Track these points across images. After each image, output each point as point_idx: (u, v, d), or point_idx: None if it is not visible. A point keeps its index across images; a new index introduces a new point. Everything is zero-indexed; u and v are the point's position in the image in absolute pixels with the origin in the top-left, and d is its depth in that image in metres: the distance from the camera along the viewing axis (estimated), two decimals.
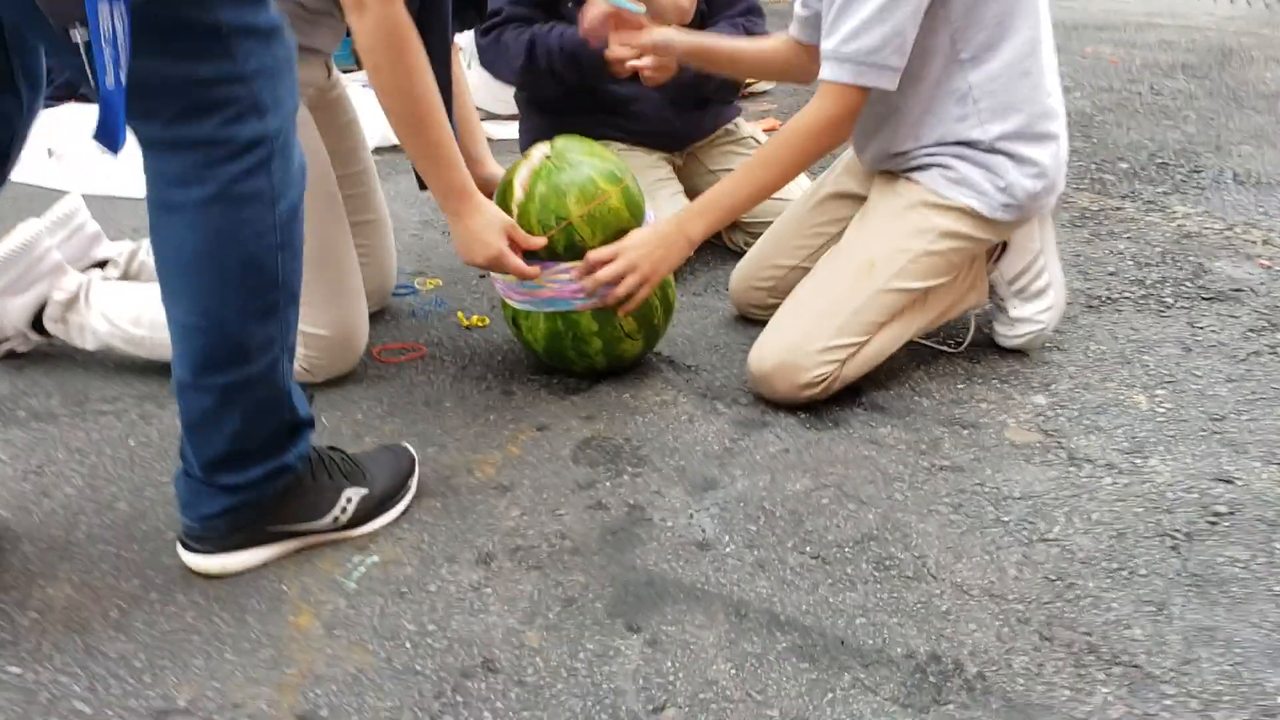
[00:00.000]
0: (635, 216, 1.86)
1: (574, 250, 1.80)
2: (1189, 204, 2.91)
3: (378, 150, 2.70)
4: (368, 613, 1.37)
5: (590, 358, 1.90)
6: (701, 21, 2.40)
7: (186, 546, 1.42)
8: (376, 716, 1.20)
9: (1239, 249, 2.59)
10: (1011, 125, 1.79)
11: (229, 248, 1.26)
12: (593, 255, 1.79)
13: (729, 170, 2.44)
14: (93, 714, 1.21)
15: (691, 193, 2.48)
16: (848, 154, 2.11)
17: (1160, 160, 3.30)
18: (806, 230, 2.08)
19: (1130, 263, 2.51)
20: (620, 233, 1.83)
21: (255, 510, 1.40)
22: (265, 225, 1.27)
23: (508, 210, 1.82)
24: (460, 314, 2.23)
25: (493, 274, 1.88)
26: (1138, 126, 3.69)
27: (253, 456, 1.37)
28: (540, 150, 1.86)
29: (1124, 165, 3.26)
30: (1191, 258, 2.53)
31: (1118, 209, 2.88)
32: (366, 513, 1.50)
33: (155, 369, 1.95)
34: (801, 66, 2.07)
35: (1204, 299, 2.31)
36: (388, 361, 2.03)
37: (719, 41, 2.17)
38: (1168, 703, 1.22)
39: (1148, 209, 2.88)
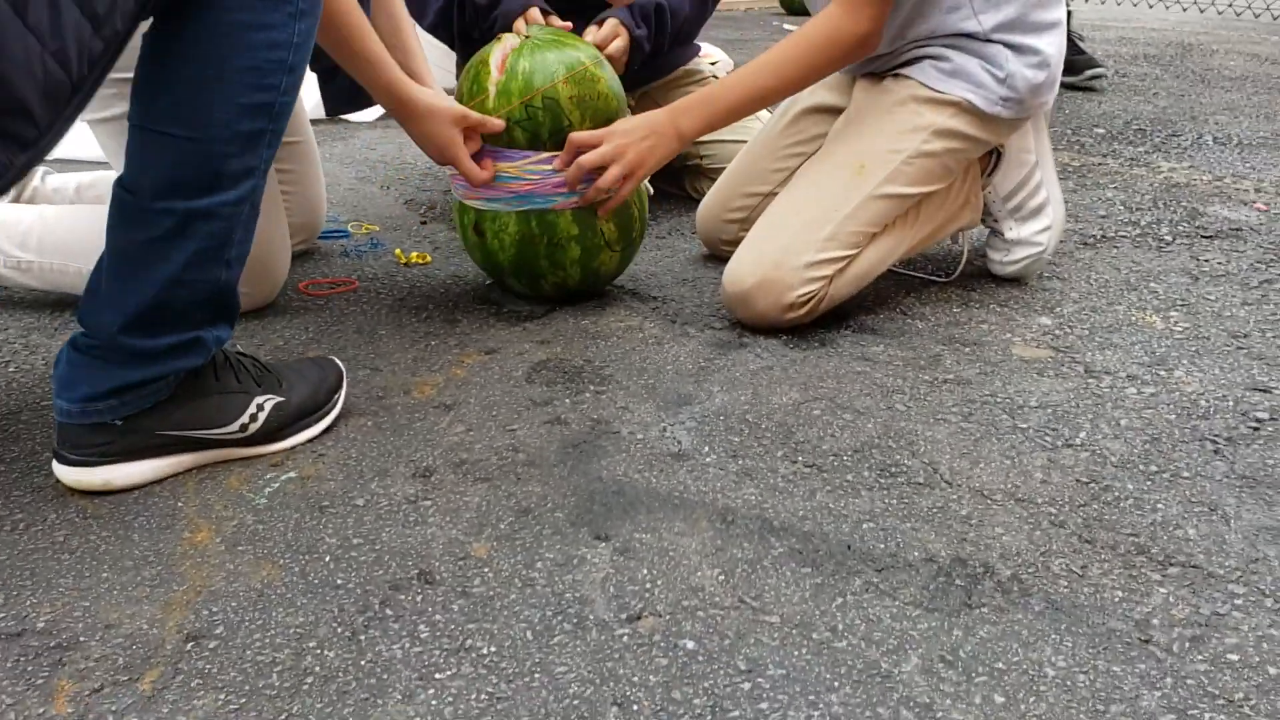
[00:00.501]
0: (620, 110, 1.66)
1: (557, 138, 1.60)
2: (1172, 160, 2.77)
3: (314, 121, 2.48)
4: (280, 528, 1.13)
5: (564, 269, 1.68)
6: None
7: (61, 459, 1.18)
8: (285, 634, 0.97)
9: (1231, 196, 2.44)
10: (1006, 15, 1.61)
11: (239, 50, 1.08)
12: (576, 137, 1.58)
13: (729, 140, 2.26)
14: None
15: None
16: None
17: (1137, 127, 3.16)
18: (780, 151, 1.88)
19: (1121, 208, 2.34)
20: (607, 124, 1.62)
21: (148, 399, 1.16)
22: (281, 36, 1.09)
23: (482, 92, 1.61)
24: (398, 251, 2.00)
25: (451, 173, 1.66)
26: (1108, 102, 3.57)
27: (170, 319, 1.15)
28: (512, 35, 1.66)
29: (1100, 131, 3.12)
30: (1184, 203, 2.38)
31: (1100, 164, 2.73)
32: (280, 424, 1.27)
33: (46, 303, 1.71)
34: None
35: (1203, 237, 2.15)
36: (314, 295, 1.80)
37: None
38: (1238, 601, 1.02)
39: (1131, 164, 2.73)
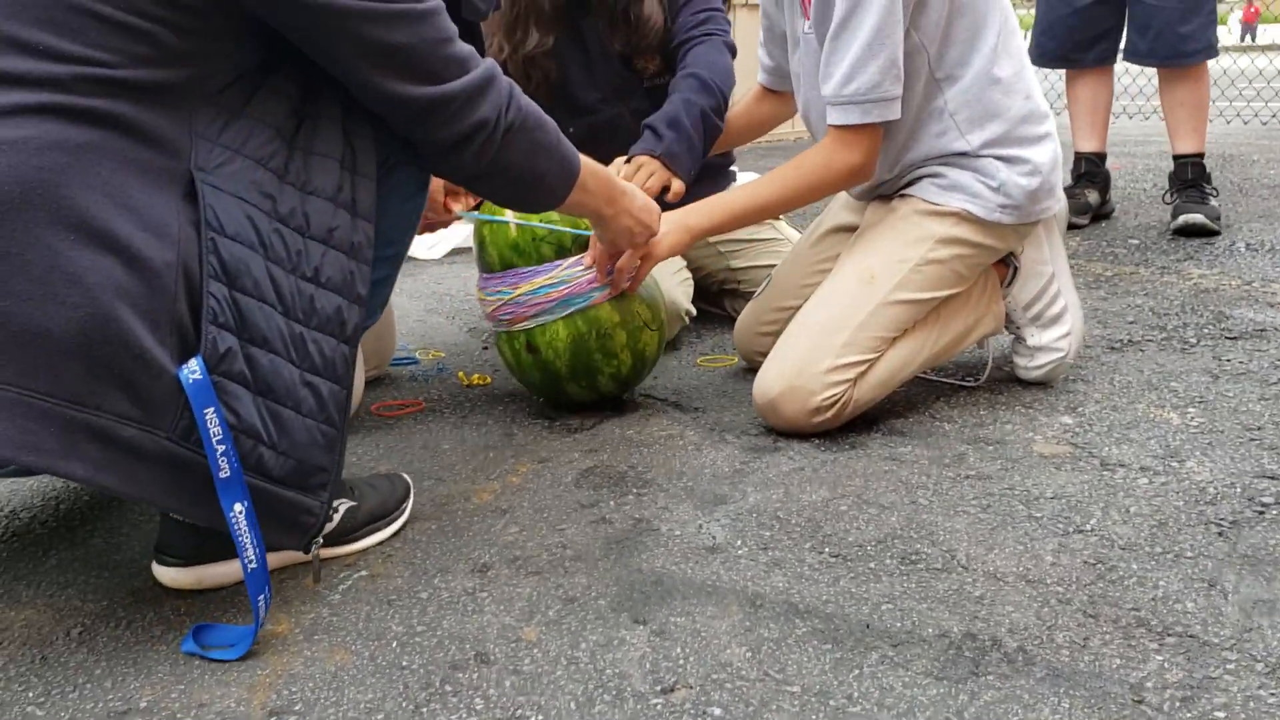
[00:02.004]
0: None
1: (579, 241, 1.81)
2: (1204, 267, 2.86)
3: None
4: (352, 619, 1.26)
5: (616, 357, 1.84)
6: (665, 62, 2.29)
7: (161, 560, 1.32)
8: (357, 709, 1.09)
9: (1259, 299, 2.52)
10: (992, 133, 1.76)
11: (403, 228, 1.41)
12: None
13: (732, 240, 2.43)
14: (44, 716, 1.10)
15: (692, 264, 2.45)
16: (843, 193, 2.08)
17: (1171, 237, 3.26)
18: (808, 268, 2.03)
19: (1149, 313, 2.44)
20: None
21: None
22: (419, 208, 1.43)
23: (502, 223, 1.81)
24: (461, 374, 2.17)
25: (496, 303, 1.83)
26: (1144, 214, 3.68)
27: None
28: None
29: (1134, 242, 3.23)
30: (1211, 307, 2.47)
31: (1132, 273, 2.83)
32: (352, 526, 1.41)
33: None
34: (783, 110, 2.14)
35: (1228, 338, 2.23)
36: (385, 416, 1.96)
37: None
38: (1230, 666, 1.10)
39: (1162, 272, 2.83)
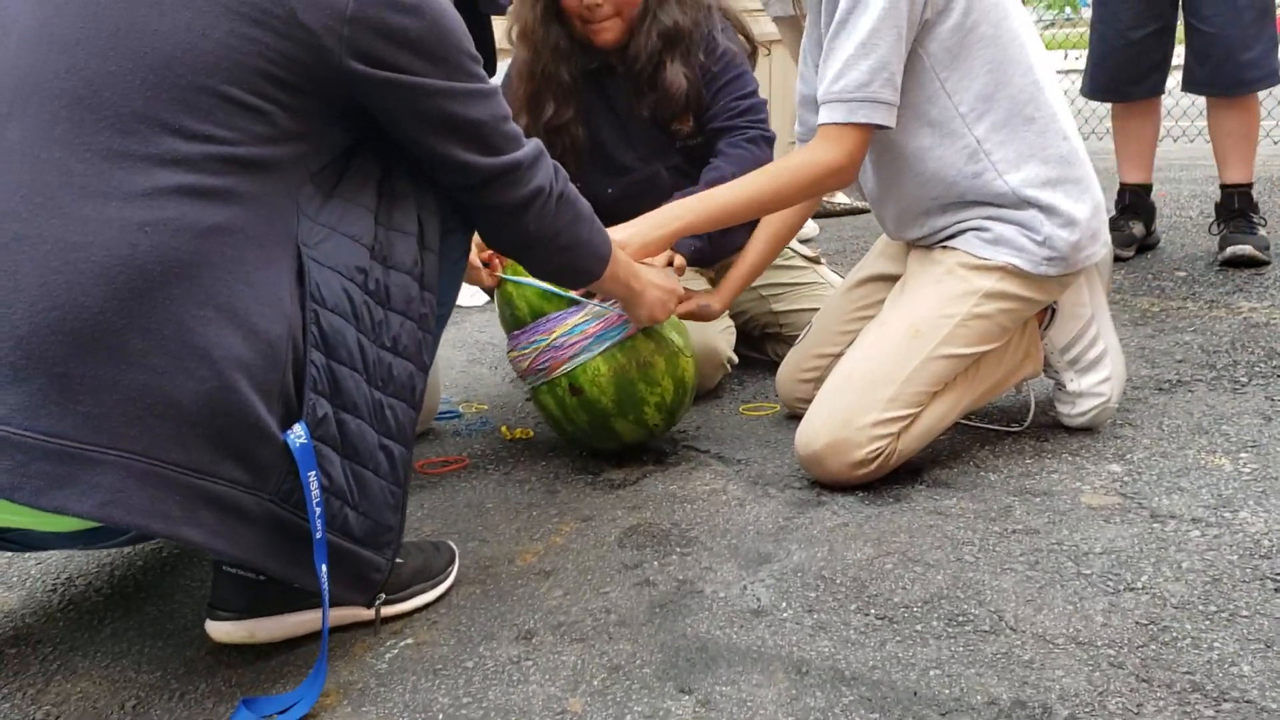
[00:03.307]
0: None
1: (589, 292, 1.84)
2: (1254, 300, 2.82)
3: None
4: (399, 690, 1.27)
5: (659, 384, 1.87)
6: (699, 125, 2.31)
7: (214, 615, 1.34)
8: None
9: None
10: (1029, 173, 1.74)
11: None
12: None
13: (775, 284, 2.43)
14: None
15: (734, 309, 2.45)
16: (882, 239, 2.07)
17: (1218, 268, 3.22)
18: (847, 315, 2.03)
19: (1199, 351, 2.41)
20: None
21: None
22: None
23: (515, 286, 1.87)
24: (504, 428, 2.18)
25: (533, 354, 1.86)
26: (1192, 244, 3.63)
27: None
28: None
29: (1181, 274, 3.19)
30: (1262, 343, 2.43)
31: (1179, 308, 2.80)
32: (397, 585, 1.42)
33: None
34: None
35: None
36: (430, 474, 1.97)
37: (751, 246, 2.13)
38: None
39: (1211, 306, 2.79)
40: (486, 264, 1.88)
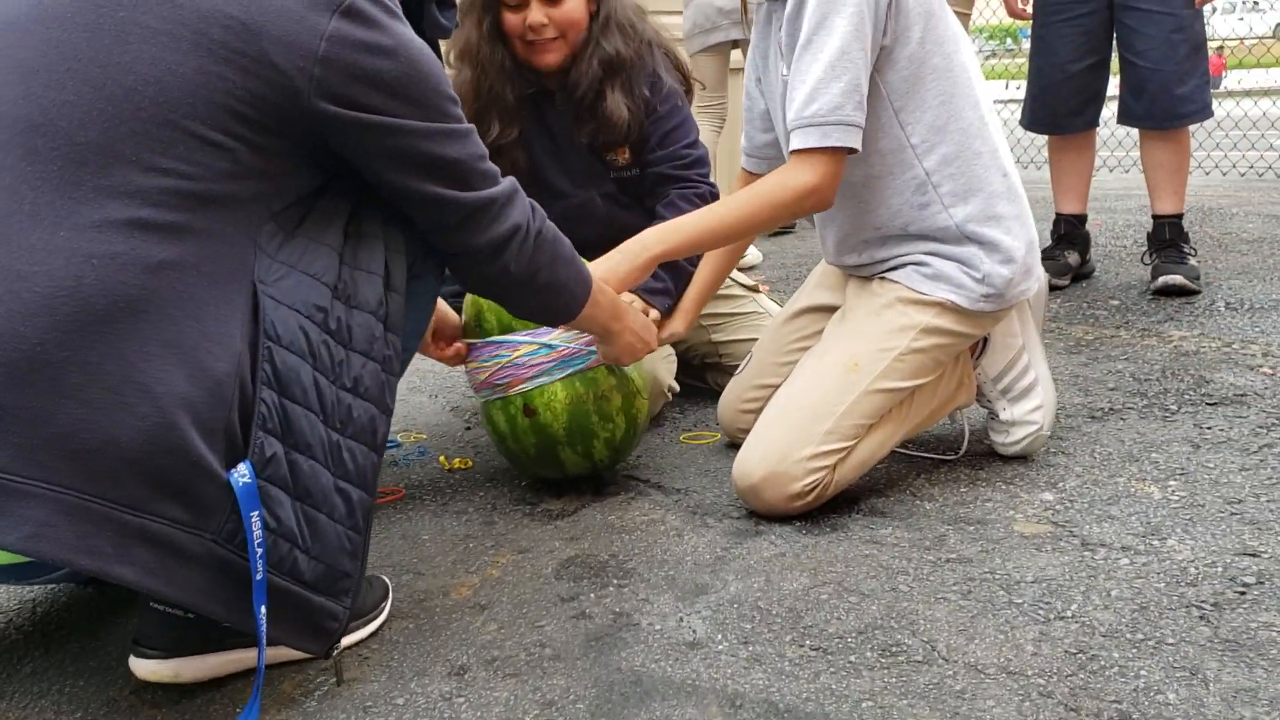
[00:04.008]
0: None
1: None
2: (1184, 329, 2.87)
3: None
4: None
5: (611, 420, 1.86)
6: (635, 157, 2.32)
7: (138, 652, 1.30)
8: None
9: (1239, 361, 2.53)
10: (974, 207, 1.77)
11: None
12: None
13: (715, 314, 2.43)
14: None
15: (684, 347, 2.46)
16: (819, 268, 2.09)
17: (1151, 297, 3.28)
18: (785, 346, 2.04)
19: (1130, 379, 2.45)
20: None
21: None
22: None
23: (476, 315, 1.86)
24: (442, 458, 2.16)
25: (493, 368, 1.84)
26: (1126, 273, 3.70)
27: None
28: None
29: (1114, 303, 3.25)
30: (1192, 371, 2.48)
31: (1112, 336, 2.85)
32: None
33: None
34: None
35: (1209, 404, 2.24)
36: None
37: (704, 265, 2.15)
38: None
39: (1143, 334, 2.85)
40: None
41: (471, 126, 1.35)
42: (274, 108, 1.18)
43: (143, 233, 1.11)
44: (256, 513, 1.15)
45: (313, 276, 1.24)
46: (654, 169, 2.30)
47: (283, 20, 1.17)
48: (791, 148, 1.71)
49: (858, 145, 1.69)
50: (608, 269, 1.75)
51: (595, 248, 1.99)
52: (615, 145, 2.28)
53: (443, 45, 2.23)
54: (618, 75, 2.23)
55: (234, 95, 1.16)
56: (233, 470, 1.14)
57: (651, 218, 2.24)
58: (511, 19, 2.18)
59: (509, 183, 1.39)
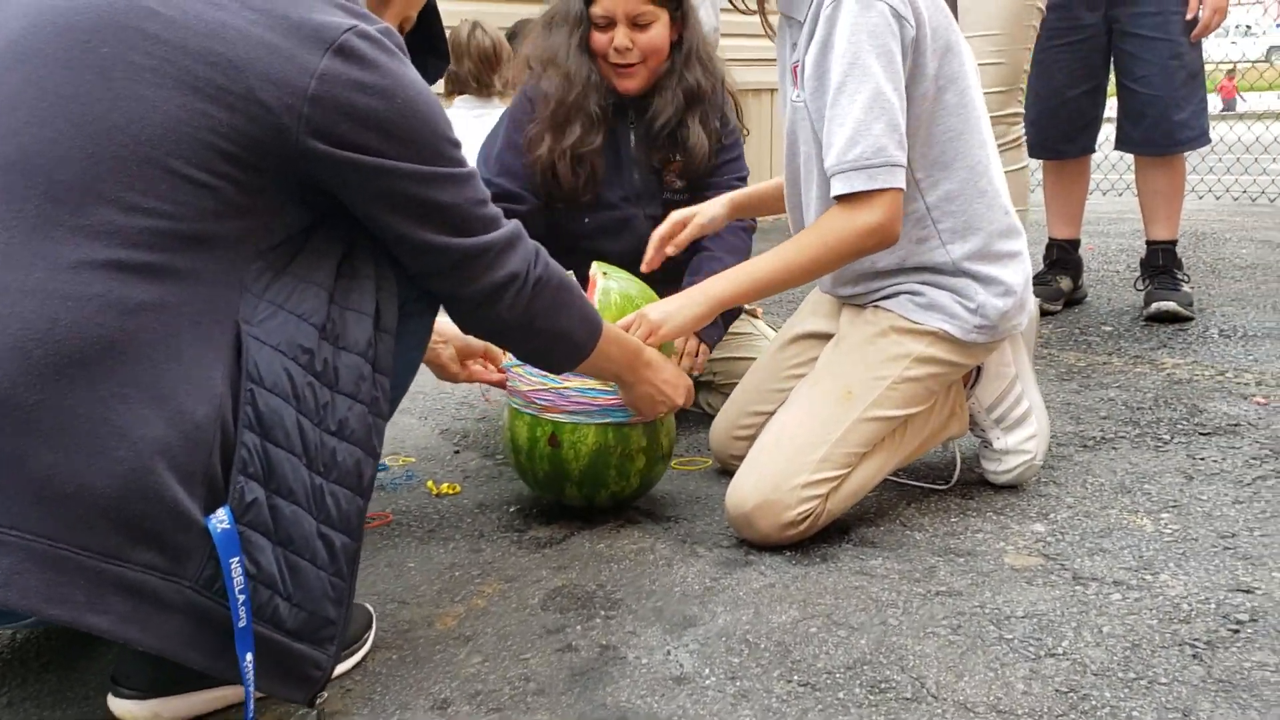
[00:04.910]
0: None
1: None
2: (1177, 356, 2.87)
3: None
4: None
5: (627, 479, 1.85)
6: (690, 184, 2.42)
7: (117, 691, 1.28)
8: None
9: (1232, 390, 2.53)
10: (972, 245, 1.77)
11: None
12: (619, 323, 1.75)
13: (739, 358, 2.42)
14: None
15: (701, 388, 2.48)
16: (813, 295, 2.08)
17: (1144, 323, 3.28)
18: (780, 374, 2.03)
19: (1123, 407, 2.44)
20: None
21: None
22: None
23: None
24: (430, 483, 2.14)
25: (538, 385, 1.82)
26: (1118, 298, 3.70)
27: None
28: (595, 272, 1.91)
29: (1107, 329, 3.25)
30: (1185, 400, 2.47)
31: (1105, 363, 2.84)
32: None
33: None
34: None
35: (1201, 434, 2.23)
36: None
37: (755, 188, 2.20)
38: None
39: (1135, 361, 2.84)
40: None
41: (473, 170, 1.32)
42: (261, 146, 1.16)
43: (121, 274, 1.09)
44: (237, 559, 1.12)
45: (299, 317, 1.21)
46: (705, 194, 2.33)
47: (272, 58, 1.16)
48: (836, 192, 1.68)
49: (903, 184, 1.67)
50: (666, 313, 1.75)
51: (624, 260, 2.05)
52: (684, 174, 2.38)
53: (528, 50, 2.39)
54: (699, 106, 2.35)
55: (219, 133, 1.14)
56: (211, 515, 1.12)
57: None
58: (599, 38, 2.27)
59: (510, 228, 1.36)
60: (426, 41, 1.63)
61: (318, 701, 1.28)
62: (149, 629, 1.08)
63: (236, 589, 1.12)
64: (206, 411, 1.12)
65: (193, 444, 1.10)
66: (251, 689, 1.15)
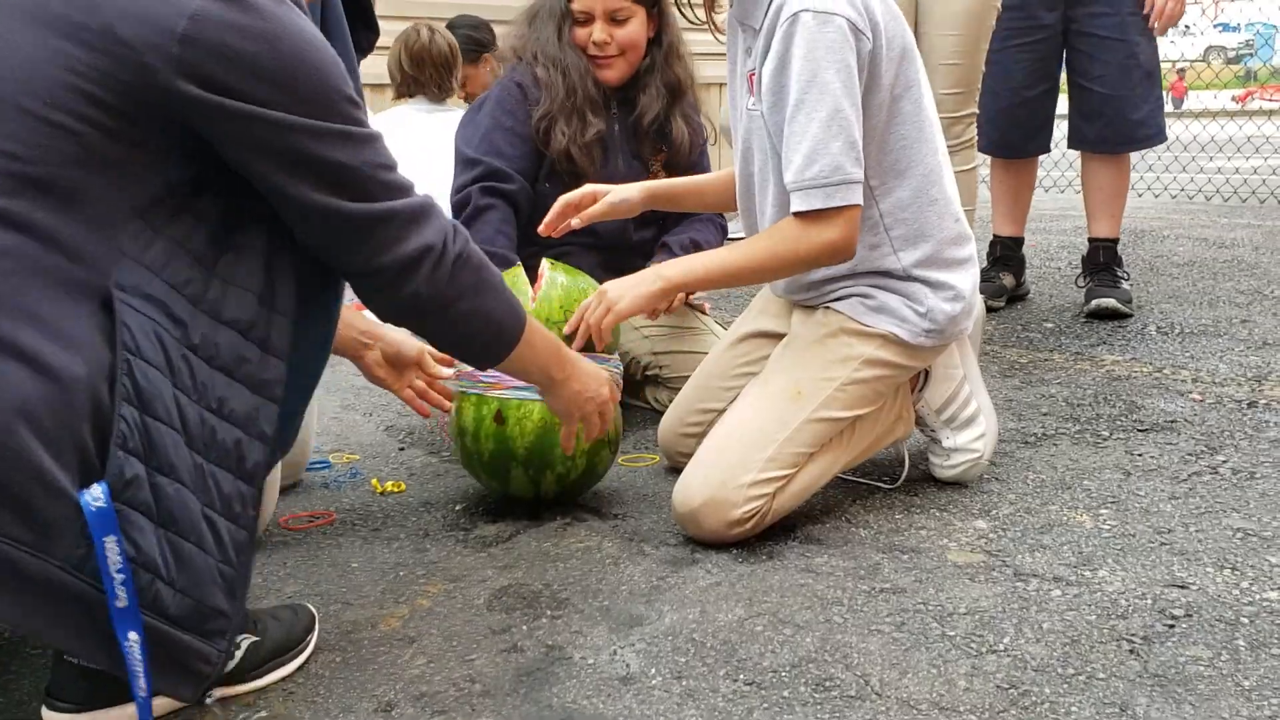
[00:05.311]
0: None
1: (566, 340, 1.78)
2: (1116, 353, 2.92)
3: None
4: None
5: (572, 459, 1.85)
6: (669, 173, 2.48)
7: (50, 705, 1.25)
8: None
9: (1169, 387, 2.57)
10: (923, 252, 1.78)
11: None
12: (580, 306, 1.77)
13: (657, 324, 2.43)
14: None
15: (624, 359, 2.45)
16: (763, 293, 2.09)
17: (1084, 320, 3.33)
18: (729, 371, 2.03)
19: (1063, 404, 2.48)
20: None
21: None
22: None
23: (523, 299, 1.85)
24: (375, 481, 2.12)
25: (471, 369, 1.80)
26: (1060, 295, 3.75)
27: None
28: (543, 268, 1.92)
29: (1049, 325, 3.29)
30: (1124, 397, 2.51)
31: (1046, 359, 2.88)
32: (254, 663, 1.36)
33: None
34: None
35: (1140, 430, 2.27)
36: (294, 529, 1.90)
37: (675, 181, 2.19)
38: None
39: (1076, 358, 2.88)
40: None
41: (376, 132, 1.23)
42: (128, 89, 1.09)
43: None
44: (114, 538, 1.06)
45: (173, 286, 1.14)
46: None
47: None
48: (795, 209, 1.68)
49: (860, 201, 1.68)
50: (622, 291, 1.75)
51: (607, 243, 2.22)
52: (668, 166, 2.47)
53: (512, 42, 2.47)
54: (681, 100, 2.47)
55: (76, 72, 1.08)
56: (85, 491, 1.06)
57: (659, 230, 2.52)
58: (579, 32, 2.39)
59: (420, 199, 1.27)
60: (357, 11, 1.60)
61: (208, 701, 1.23)
62: (11, 604, 1.04)
63: (113, 568, 1.07)
64: (75, 373, 1.05)
65: (58, 406, 1.04)
66: (138, 668, 1.10)
